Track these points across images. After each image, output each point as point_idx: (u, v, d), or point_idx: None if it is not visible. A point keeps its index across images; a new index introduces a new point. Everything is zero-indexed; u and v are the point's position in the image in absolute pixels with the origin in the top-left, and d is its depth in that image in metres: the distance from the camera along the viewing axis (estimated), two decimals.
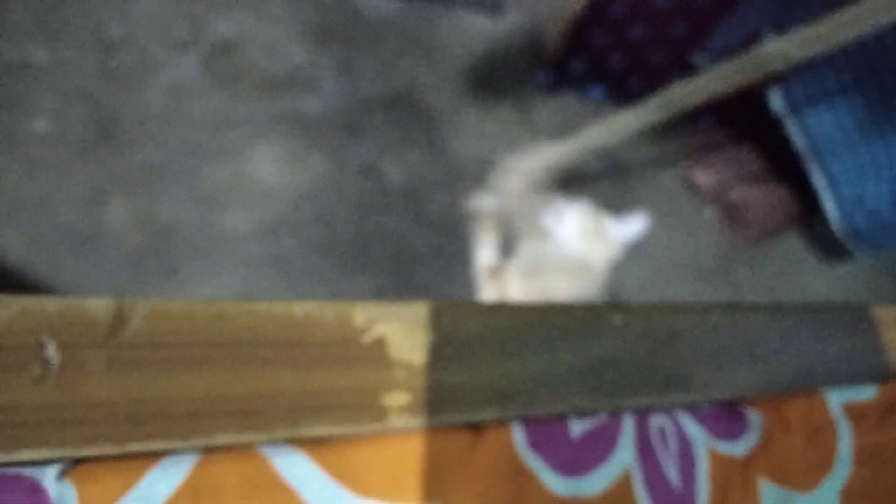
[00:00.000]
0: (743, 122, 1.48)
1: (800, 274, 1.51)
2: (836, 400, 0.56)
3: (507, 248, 1.11)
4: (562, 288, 1.02)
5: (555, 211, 1.07)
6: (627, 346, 0.37)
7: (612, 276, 1.10)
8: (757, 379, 0.48)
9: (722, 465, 0.50)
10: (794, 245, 1.52)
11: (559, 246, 1.07)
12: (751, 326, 0.49)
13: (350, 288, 1.00)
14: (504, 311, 0.34)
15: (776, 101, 1.23)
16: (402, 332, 0.30)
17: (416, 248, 1.08)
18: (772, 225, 1.45)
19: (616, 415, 0.40)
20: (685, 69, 1.37)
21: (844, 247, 1.39)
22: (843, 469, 0.54)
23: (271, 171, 1.01)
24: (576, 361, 0.35)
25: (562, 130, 1.33)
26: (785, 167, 1.40)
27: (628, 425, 0.41)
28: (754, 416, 0.52)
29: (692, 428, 0.48)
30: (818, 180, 1.29)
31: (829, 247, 1.49)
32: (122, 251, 0.90)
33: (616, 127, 1.05)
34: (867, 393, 0.58)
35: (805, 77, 1.20)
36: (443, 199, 1.13)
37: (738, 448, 0.49)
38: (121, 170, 0.94)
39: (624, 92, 1.39)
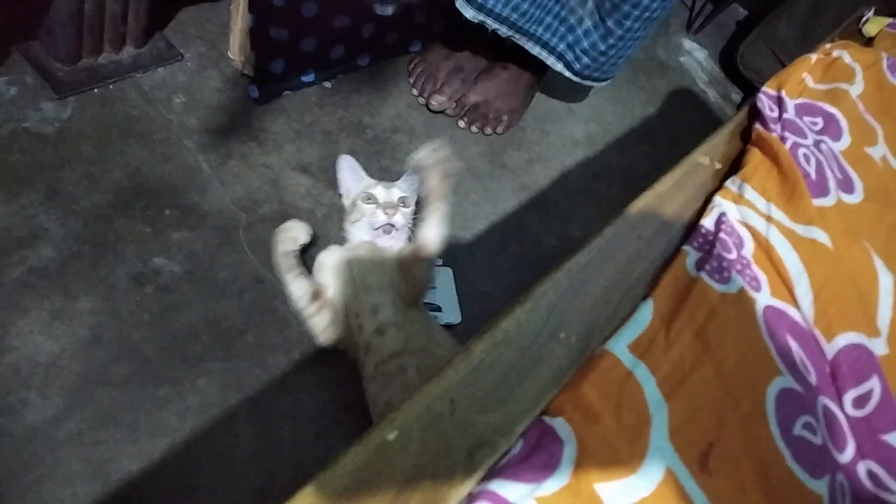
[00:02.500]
0: (447, 34, 1.49)
1: (560, 124, 1.59)
2: (621, 347, 0.59)
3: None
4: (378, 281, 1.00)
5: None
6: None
7: None
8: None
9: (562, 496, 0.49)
10: (542, 101, 1.59)
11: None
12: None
13: (194, 397, 0.92)
14: None
15: (467, 11, 1.24)
16: None
17: (232, 319, 1.00)
18: (516, 105, 1.50)
19: None
20: (370, 19, 1.34)
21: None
22: (660, 413, 0.57)
23: (43, 341, 0.88)
24: None
25: (308, 128, 1.27)
26: (501, 50, 1.44)
27: None
28: (562, 427, 0.53)
29: (509, 488, 0.46)
30: (534, 50, 1.34)
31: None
32: None
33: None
34: (643, 321, 0.62)
35: None
36: (230, 259, 1.05)
37: (560, 480, 0.49)
38: None
39: (331, 64, 1.35)
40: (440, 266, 1.19)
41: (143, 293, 0.97)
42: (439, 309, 1.13)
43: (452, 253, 1.23)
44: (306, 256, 1.08)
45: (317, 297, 1.00)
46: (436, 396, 0.50)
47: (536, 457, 0.50)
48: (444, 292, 1.16)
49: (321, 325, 1.00)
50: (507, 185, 1.41)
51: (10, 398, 0.83)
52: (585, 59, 1.34)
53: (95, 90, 1.11)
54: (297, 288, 1.02)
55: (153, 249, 1.01)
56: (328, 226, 1.16)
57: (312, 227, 1.12)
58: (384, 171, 1.28)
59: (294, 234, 1.05)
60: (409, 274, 0.98)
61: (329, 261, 1.04)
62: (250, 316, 1.01)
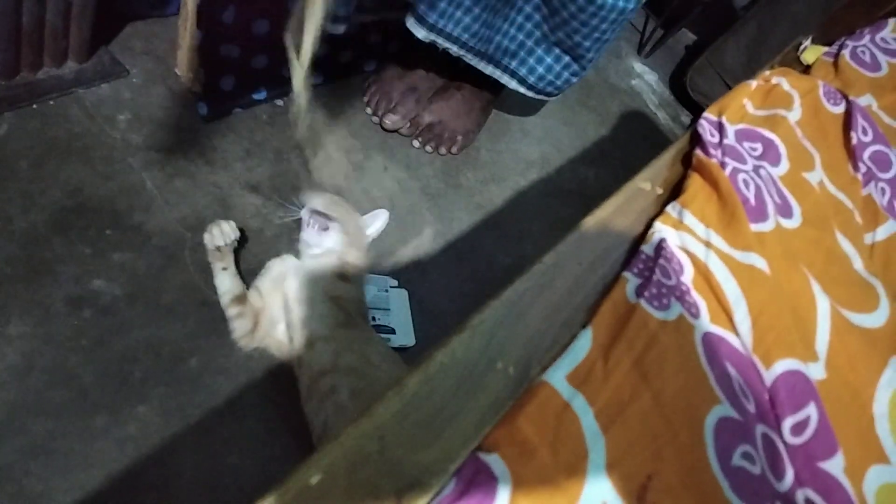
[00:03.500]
0: (402, 54, 1.47)
1: (514, 145, 1.58)
2: (559, 378, 0.57)
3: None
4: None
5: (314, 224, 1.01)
6: None
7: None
8: None
9: None
10: (497, 122, 1.58)
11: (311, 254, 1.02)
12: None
13: (133, 425, 0.87)
14: None
15: (418, 31, 1.22)
16: None
17: (176, 343, 0.95)
18: (471, 125, 1.48)
19: None
20: (323, 38, 1.31)
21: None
22: (597, 446, 0.55)
23: None
24: None
25: (258, 147, 1.23)
26: (456, 70, 1.42)
27: None
28: (497, 463, 0.51)
29: None
30: (487, 69, 1.32)
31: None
32: None
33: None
34: (581, 351, 0.60)
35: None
36: (175, 281, 1.01)
37: None
38: None
39: (283, 81, 1.31)
40: (395, 287, 1.17)
41: (81, 317, 0.92)
42: (393, 331, 1.10)
43: (407, 273, 1.20)
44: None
45: (241, 301, 0.98)
46: (364, 434, 0.47)
47: (470, 496, 0.48)
48: (398, 314, 1.13)
49: (240, 331, 0.97)
50: (462, 204, 1.39)
51: None
52: (538, 72, 1.33)
53: (34, 106, 1.05)
54: (221, 283, 0.99)
55: (93, 271, 0.96)
56: (279, 245, 1.12)
57: (261, 248, 1.09)
58: (335, 190, 1.25)
59: (224, 228, 0.99)
60: (336, 293, 0.96)
61: (275, 267, 1.02)
62: (195, 340, 0.97)
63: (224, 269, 0.99)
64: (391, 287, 1.16)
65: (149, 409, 0.89)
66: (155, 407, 0.89)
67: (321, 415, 0.84)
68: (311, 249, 1.01)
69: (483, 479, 0.49)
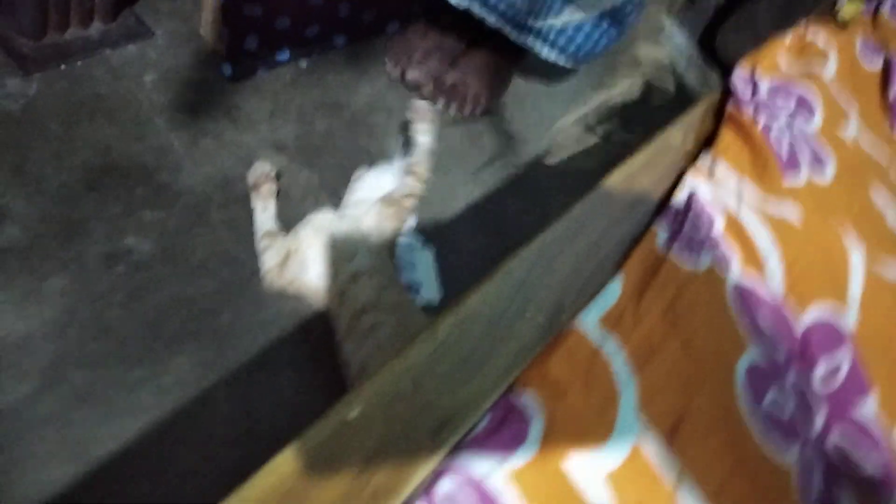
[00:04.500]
0: (427, 14, 1.46)
1: (539, 104, 1.57)
2: (591, 320, 0.58)
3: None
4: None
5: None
6: None
7: None
8: None
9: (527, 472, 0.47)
10: (521, 83, 1.57)
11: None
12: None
13: (170, 377, 0.90)
14: None
15: None
16: None
17: (207, 298, 0.98)
18: (495, 86, 1.48)
19: None
20: None
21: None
22: (628, 387, 0.55)
23: (14, 321, 0.86)
24: None
25: (283, 108, 1.24)
26: (481, 32, 1.41)
27: None
28: (529, 402, 0.52)
29: (476, 462, 0.45)
30: (521, 39, 1.31)
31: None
32: None
33: None
34: (613, 295, 0.61)
35: None
36: (204, 238, 1.03)
37: (527, 454, 0.47)
38: None
39: (306, 42, 1.31)
40: (420, 245, 1.18)
41: (115, 272, 0.95)
42: (418, 289, 1.12)
43: (432, 234, 1.21)
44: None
45: (272, 235, 1.02)
46: (399, 374, 0.49)
47: (503, 431, 0.49)
48: (424, 273, 1.15)
49: (269, 264, 1.01)
50: (485, 164, 1.39)
51: None
52: (577, 40, 1.31)
53: (62, 67, 1.07)
54: (259, 220, 1.04)
55: (125, 229, 0.99)
56: (305, 205, 1.13)
57: (288, 207, 1.10)
58: (362, 150, 1.26)
59: (265, 166, 1.08)
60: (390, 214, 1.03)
61: (316, 217, 1.06)
62: (226, 296, 0.99)
63: (264, 209, 1.04)
64: (416, 245, 1.17)
65: (184, 362, 0.92)
66: (190, 359, 0.92)
67: (359, 355, 0.86)
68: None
69: (515, 417, 0.50)
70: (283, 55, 1.28)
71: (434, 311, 1.10)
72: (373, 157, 1.18)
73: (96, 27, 1.10)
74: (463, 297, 0.55)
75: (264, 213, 1.05)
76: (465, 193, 1.31)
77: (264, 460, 0.87)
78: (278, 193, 1.10)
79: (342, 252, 0.97)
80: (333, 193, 1.18)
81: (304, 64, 1.32)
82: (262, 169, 1.07)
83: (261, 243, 1.02)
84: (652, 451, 0.53)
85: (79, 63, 1.08)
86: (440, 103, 1.43)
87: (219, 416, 0.89)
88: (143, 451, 0.83)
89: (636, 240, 0.68)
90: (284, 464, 0.43)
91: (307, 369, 0.97)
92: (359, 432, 0.46)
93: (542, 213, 1.35)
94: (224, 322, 0.97)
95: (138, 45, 1.16)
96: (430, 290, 1.12)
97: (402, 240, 1.16)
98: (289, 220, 1.07)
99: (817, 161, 0.88)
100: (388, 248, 1.00)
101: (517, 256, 0.60)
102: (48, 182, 0.98)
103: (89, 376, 0.86)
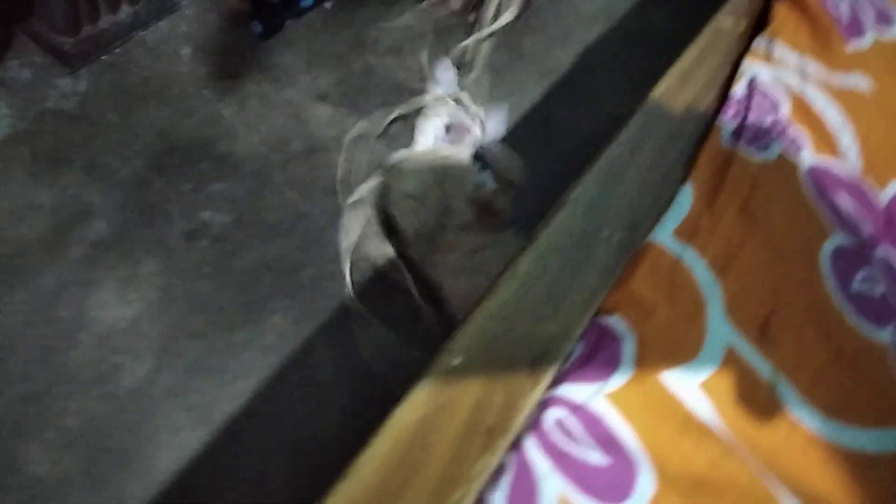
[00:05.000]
0: None
1: (572, 1, 1.50)
2: (666, 235, 0.57)
3: None
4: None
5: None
6: None
7: None
8: None
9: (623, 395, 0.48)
10: None
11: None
12: None
13: (271, 336, 0.95)
14: None
15: None
16: None
17: (288, 257, 1.02)
18: None
19: None
20: None
21: None
22: (714, 294, 0.55)
23: (120, 308, 0.92)
24: None
25: (318, 55, 1.23)
26: None
27: None
28: (618, 323, 0.52)
29: (576, 390, 0.46)
30: None
31: None
32: (56, 473, 0.84)
33: None
34: (685, 205, 0.59)
35: None
36: (272, 200, 1.06)
37: (624, 375, 0.48)
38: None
39: None
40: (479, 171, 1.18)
41: (199, 247, 1.00)
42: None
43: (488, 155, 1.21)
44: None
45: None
46: (491, 316, 0.51)
47: (598, 356, 0.51)
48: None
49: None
50: (529, 74, 1.35)
51: (103, 366, 0.88)
52: None
53: (103, 57, 1.09)
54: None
55: (198, 204, 1.03)
56: (358, 151, 1.14)
57: (341, 155, 1.12)
58: (400, 85, 1.24)
59: None
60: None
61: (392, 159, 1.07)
62: (304, 251, 1.03)
63: None
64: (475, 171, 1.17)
65: (280, 319, 0.97)
66: (284, 316, 0.97)
67: (458, 295, 0.91)
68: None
69: (607, 340, 0.52)
70: (307, 0, 1.25)
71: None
72: (415, 88, 1.16)
73: (125, 11, 1.10)
74: (535, 231, 0.56)
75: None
76: (511, 108, 1.28)
77: (371, 397, 0.95)
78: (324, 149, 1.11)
79: (424, 196, 0.98)
80: (384, 133, 1.19)
81: (328, 5, 1.30)
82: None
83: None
84: (745, 353, 0.54)
85: (117, 50, 1.10)
86: (472, 17, 1.38)
87: (322, 362, 0.95)
88: (260, 408, 0.90)
89: (700, 141, 0.66)
90: (405, 415, 0.46)
91: (394, 305, 1.01)
92: (465, 376, 0.49)
93: (594, 115, 1.32)
94: (308, 276, 1.02)
95: (168, 20, 1.16)
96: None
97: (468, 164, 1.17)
98: (345, 169, 1.09)
99: (883, 19, 0.82)
100: (463, 180, 1.01)
101: (583, 179, 0.60)
102: (118, 173, 1.02)
103: (198, 347, 0.93)
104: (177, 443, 0.85)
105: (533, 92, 1.32)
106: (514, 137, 1.25)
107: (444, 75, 1.12)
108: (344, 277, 1.02)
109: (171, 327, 0.93)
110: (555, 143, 1.26)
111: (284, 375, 0.93)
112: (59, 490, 0.79)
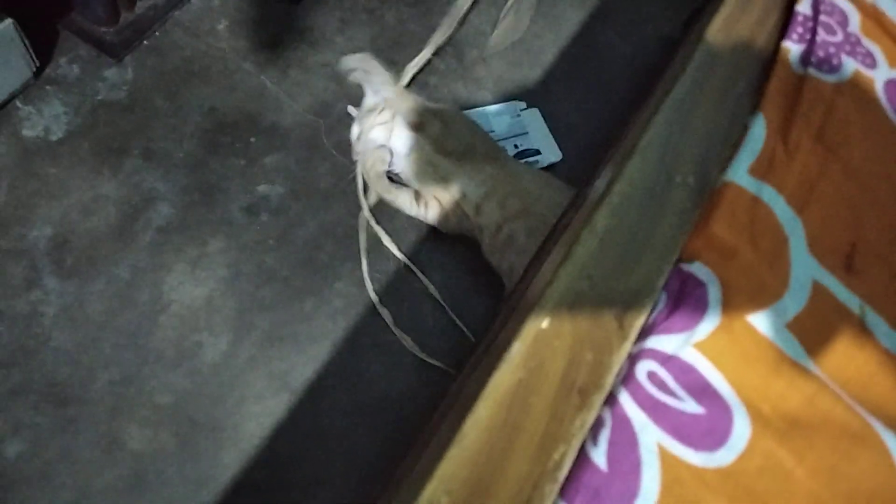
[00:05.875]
0: None
1: None
2: (741, 174, 0.54)
3: None
4: None
5: None
6: None
7: None
8: None
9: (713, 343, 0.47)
10: None
11: None
12: None
13: (338, 300, 0.97)
14: None
15: None
16: None
17: (344, 222, 1.02)
18: None
19: None
20: None
21: None
22: (795, 230, 0.52)
23: (193, 288, 0.94)
24: None
25: (350, 12, 1.20)
26: None
27: None
28: (701, 270, 0.50)
29: (665, 341, 0.45)
30: None
31: None
32: (156, 451, 0.88)
33: None
34: (758, 140, 0.55)
35: None
36: (324, 167, 1.06)
37: (711, 321, 0.47)
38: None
39: None
40: (525, 109, 1.15)
41: (259, 221, 1.01)
42: (538, 152, 1.11)
43: (530, 93, 1.18)
44: None
45: (419, 197, 1.01)
46: (573, 276, 0.51)
47: (684, 305, 0.50)
48: (538, 134, 1.13)
49: (436, 219, 1.01)
50: (566, 3, 1.29)
51: (185, 343, 0.92)
52: None
53: (145, 42, 1.08)
54: (402, 200, 1.02)
55: (253, 179, 1.03)
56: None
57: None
58: (435, 30, 1.20)
59: (379, 155, 1.02)
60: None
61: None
62: (360, 216, 1.04)
63: (394, 190, 1.03)
64: (522, 110, 1.15)
65: (344, 284, 0.98)
66: (348, 281, 0.99)
67: (505, 263, 0.90)
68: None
69: (692, 288, 0.51)
70: None
71: (559, 170, 1.09)
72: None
73: None
74: (609, 183, 0.55)
75: (397, 191, 1.02)
76: (550, 42, 1.24)
77: (440, 354, 0.96)
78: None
79: (456, 192, 0.97)
80: (423, 86, 1.16)
81: None
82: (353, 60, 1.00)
83: (419, 215, 1.02)
84: (831, 286, 0.53)
85: (157, 34, 1.09)
86: None
87: (388, 322, 0.97)
88: (335, 370, 0.92)
89: (768, 66, 0.62)
90: (501, 380, 0.47)
91: (452, 263, 1.01)
92: (555, 337, 0.49)
93: (637, 39, 1.26)
94: (366, 239, 1.02)
95: None
96: (549, 151, 1.11)
97: (506, 109, 1.14)
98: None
99: None
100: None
101: (651, 124, 0.57)
102: (174, 156, 1.03)
103: (271, 318, 0.95)
104: (261, 410, 0.89)
105: (570, 21, 1.27)
106: (556, 73, 1.22)
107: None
108: (398, 236, 1.02)
109: (242, 301, 0.96)
110: (597, 72, 1.22)
111: (355, 337, 0.95)
112: (156, 463, 0.84)
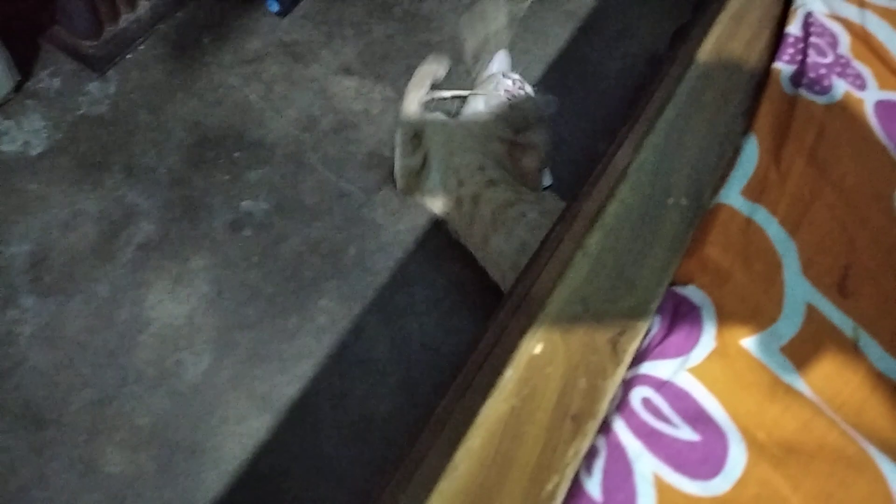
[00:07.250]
0: None
1: None
2: (734, 195, 0.53)
3: None
4: None
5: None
6: None
7: None
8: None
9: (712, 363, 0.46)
10: None
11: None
12: None
13: (321, 317, 0.95)
14: None
15: None
16: None
17: (330, 238, 1.00)
18: None
19: None
20: None
21: None
22: (789, 252, 0.51)
23: (174, 306, 0.91)
24: None
25: (336, 27, 1.19)
26: None
27: None
28: (695, 293, 0.49)
29: (660, 366, 0.44)
30: None
31: None
32: (135, 474, 0.85)
33: None
34: (751, 161, 0.55)
35: None
36: (309, 182, 1.04)
37: (706, 346, 0.45)
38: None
39: None
40: None
41: (242, 237, 0.98)
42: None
43: None
44: None
45: (417, 139, 1.00)
46: (566, 300, 0.49)
47: (678, 329, 0.49)
48: None
49: (406, 171, 1.00)
50: (552, 18, 1.29)
51: (166, 363, 0.89)
52: None
53: (128, 56, 1.05)
54: (411, 105, 1.03)
55: (237, 194, 1.01)
56: (385, 120, 1.11)
57: (373, 126, 1.08)
58: (423, 45, 1.19)
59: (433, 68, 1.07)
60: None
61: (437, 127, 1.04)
62: (345, 230, 1.01)
63: (421, 97, 1.06)
64: None
65: (329, 301, 0.96)
66: (333, 297, 0.96)
67: (511, 242, 0.88)
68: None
69: (686, 311, 0.50)
70: None
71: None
72: (436, 49, 1.11)
73: (143, 5, 1.06)
74: (600, 206, 0.53)
75: (419, 106, 1.04)
76: (538, 57, 1.23)
77: (424, 371, 0.94)
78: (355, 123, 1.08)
79: (468, 162, 0.97)
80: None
81: None
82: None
83: (403, 148, 1.00)
84: (825, 309, 0.52)
85: (140, 47, 1.06)
86: None
87: (374, 340, 0.94)
88: (319, 388, 0.90)
89: (760, 87, 0.62)
90: (493, 408, 0.45)
91: (437, 275, 0.99)
92: (548, 363, 0.47)
93: (624, 53, 1.26)
94: (351, 255, 1.00)
95: (185, 9, 1.11)
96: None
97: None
98: (378, 139, 1.06)
99: None
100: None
101: (643, 146, 0.56)
102: (157, 171, 1.00)
103: (254, 336, 0.93)
104: (243, 430, 0.86)
105: (557, 37, 1.26)
106: (545, 87, 1.21)
107: (499, 60, 1.12)
108: (383, 251, 1.00)
109: (225, 319, 0.93)
110: (584, 86, 1.21)
111: (340, 355, 0.93)
112: (135, 487, 0.81)
